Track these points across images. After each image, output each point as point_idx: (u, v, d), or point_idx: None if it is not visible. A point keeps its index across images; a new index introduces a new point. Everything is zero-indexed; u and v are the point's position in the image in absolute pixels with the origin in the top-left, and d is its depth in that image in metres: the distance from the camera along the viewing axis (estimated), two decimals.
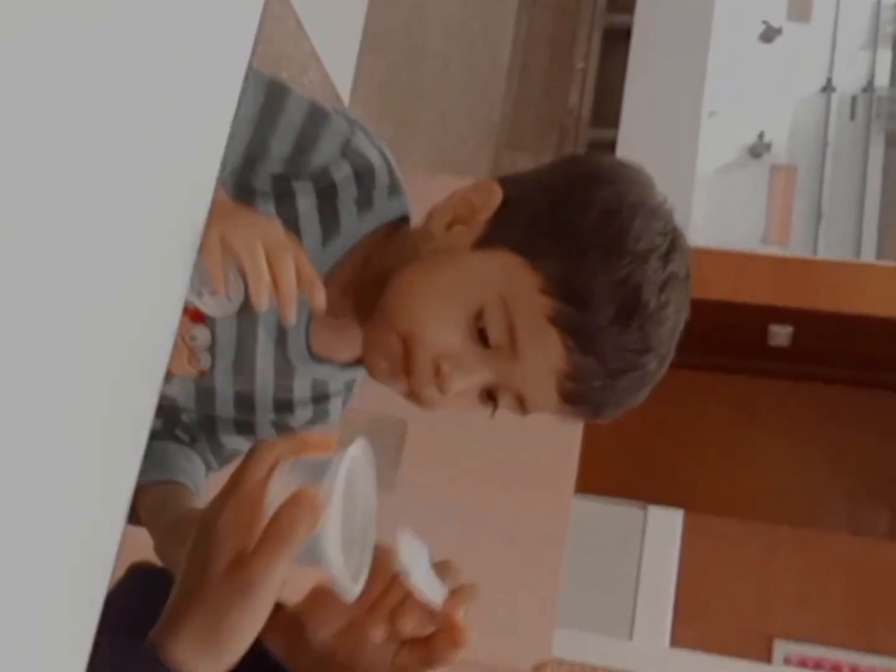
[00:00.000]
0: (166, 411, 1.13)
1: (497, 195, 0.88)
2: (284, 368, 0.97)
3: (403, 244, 0.91)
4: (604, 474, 3.71)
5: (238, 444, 1.13)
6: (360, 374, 1.02)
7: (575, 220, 0.84)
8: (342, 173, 0.90)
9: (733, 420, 3.90)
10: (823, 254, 3.82)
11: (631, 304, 0.82)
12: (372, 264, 0.92)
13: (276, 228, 0.81)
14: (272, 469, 0.68)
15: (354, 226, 0.92)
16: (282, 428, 1.06)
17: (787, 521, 3.61)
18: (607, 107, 4.22)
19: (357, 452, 0.69)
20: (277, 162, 0.89)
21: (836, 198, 3.92)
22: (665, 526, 3.45)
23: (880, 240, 3.87)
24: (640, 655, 2.87)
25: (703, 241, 3.47)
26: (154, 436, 1.14)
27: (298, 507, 0.65)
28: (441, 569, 0.76)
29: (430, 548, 0.75)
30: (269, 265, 0.77)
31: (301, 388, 1.00)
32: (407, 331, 0.85)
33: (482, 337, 0.84)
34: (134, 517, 1.08)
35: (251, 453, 0.69)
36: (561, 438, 1.35)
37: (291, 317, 0.78)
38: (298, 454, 0.69)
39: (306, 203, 0.90)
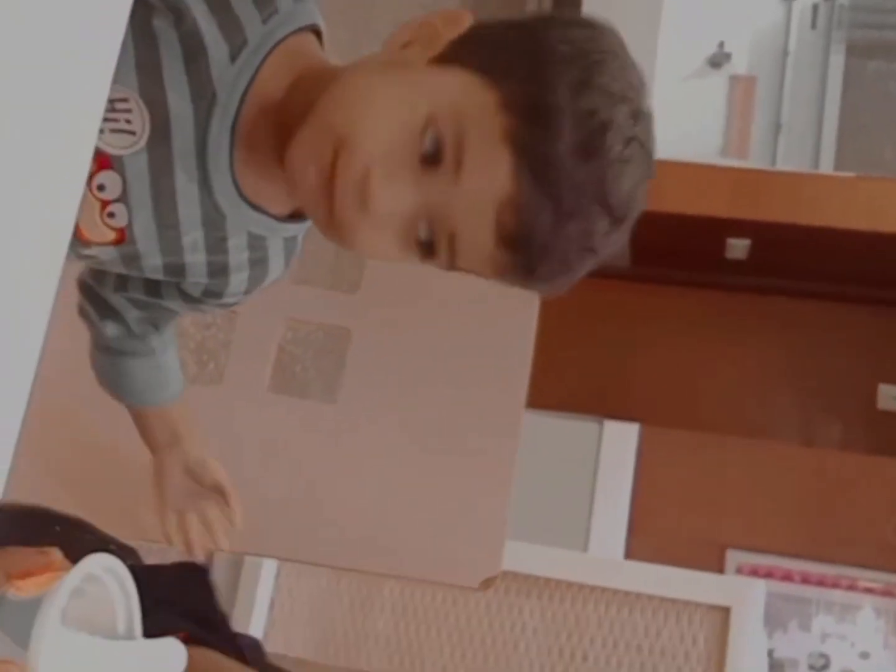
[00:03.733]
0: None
1: (465, 22, 0.80)
2: (214, 218, 0.86)
3: (337, 72, 0.82)
4: (560, 390, 3.70)
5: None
6: (300, 228, 0.93)
7: (547, 49, 0.76)
8: None
9: (689, 333, 3.90)
10: (782, 165, 3.78)
11: (596, 139, 0.74)
12: (297, 95, 0.82)
13: None
14: None
15: (261, 33, 0.81)
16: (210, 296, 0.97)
17: (742, 433, 3.63)
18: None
19: (81, 577, 0.56)
20: None
21: (796, 109, 3.87)
22: (621, 440, 3.45)
23: (838, 151, 3.84)
24: (594, 567, 2.88)
25: (661, 153, 3.41)
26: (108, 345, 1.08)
27: None
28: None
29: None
30: None
31: (237, 248, 0.90)
32: (344, 132, 0.75)
33: (425, 154, 0.74)
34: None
35: None
36: (513, 347, 1.31)
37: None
38: (8, 581, 0.55)
39: (201, 9, 0.79)
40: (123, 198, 0.84)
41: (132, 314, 1.04)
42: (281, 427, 1.27)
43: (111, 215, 0.85)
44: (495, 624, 2.69)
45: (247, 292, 0.97)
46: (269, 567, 2.59)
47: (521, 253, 0.76)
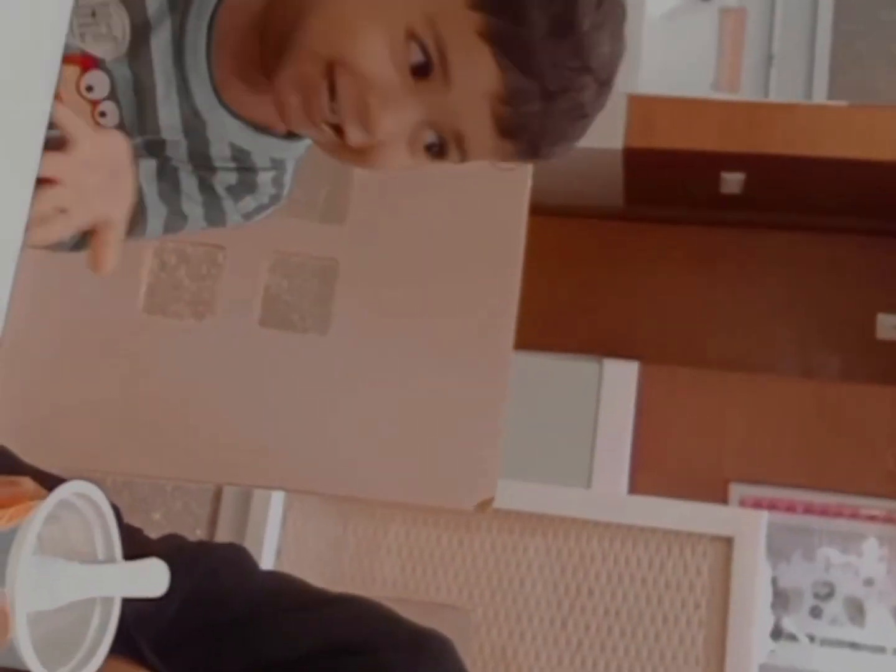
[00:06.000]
0: None
1: None
2: (194, 124, 0.87)
3: None
4: (559, 331, 3.71)
5: None
6: (290, 152, 0.94)
7: None
8: None
9: (687, 270, 3.89)
10: (775, 97, 3.75)
11: (566, 15, 0.76)
12: (272, 12, 0.84)
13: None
14: None
15: None
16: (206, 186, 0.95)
17: (742, 367, 3.63)
18: None
19: (56, 505, 0.55)
20: None
21: (787, 39, 3.83)
22: (621, 378, 3.46)
23: (831, 80, 3.81)
24: (598, 503, 2.90)
25: (652, 89, 3.39)
26: None
27: None
28: None
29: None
30: None
31: (219, 151, 0.91)
32: (333, 56, 0.76)
33: (414, 66, 0.76)
34: None
35: None
36: (500, 271, 1.31)
37: None
38: None
39: None
40: (113, 95, 0.85)
41: None
42: (274, 360, 1.27)
43: (103, 114, 0.86)
44: (501, 563, 2.71)
45: (239, 189, 0.95)
46: (275, 513, 2.60)
47: (522, 139, 0.79)
